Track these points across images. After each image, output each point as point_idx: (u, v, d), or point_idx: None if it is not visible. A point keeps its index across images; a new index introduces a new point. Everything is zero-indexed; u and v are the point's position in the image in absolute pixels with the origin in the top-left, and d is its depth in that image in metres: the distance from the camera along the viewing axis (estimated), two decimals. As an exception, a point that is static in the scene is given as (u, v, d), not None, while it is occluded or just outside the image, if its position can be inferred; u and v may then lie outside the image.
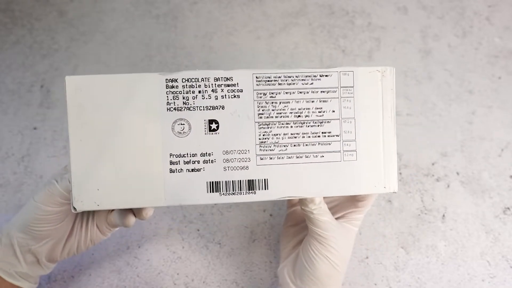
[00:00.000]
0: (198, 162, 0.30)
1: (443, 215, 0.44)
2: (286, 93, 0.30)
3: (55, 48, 0.51)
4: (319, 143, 0.31)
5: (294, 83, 0.30)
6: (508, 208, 0.45)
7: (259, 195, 0.30)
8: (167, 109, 0.30)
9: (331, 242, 0.33)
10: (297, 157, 0.30)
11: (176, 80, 0.30)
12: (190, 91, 0.30)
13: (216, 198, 0.30)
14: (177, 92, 0.30)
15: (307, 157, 0.30)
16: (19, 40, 0.51)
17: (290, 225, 0.39)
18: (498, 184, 0.45)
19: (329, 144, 0.31)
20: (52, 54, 0.51)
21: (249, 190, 0.30)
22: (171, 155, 0.30)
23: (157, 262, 0.42)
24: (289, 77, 0.30)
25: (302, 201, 0.33)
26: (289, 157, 0.30)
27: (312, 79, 0.30)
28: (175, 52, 0.51)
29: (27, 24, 0.52)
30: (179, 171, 0.30)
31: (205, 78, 0.30)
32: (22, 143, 0.46)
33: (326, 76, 0.30)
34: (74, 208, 0.29)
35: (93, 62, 0.51)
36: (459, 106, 0.49)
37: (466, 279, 0.42)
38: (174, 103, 0.30)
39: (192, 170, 0.30)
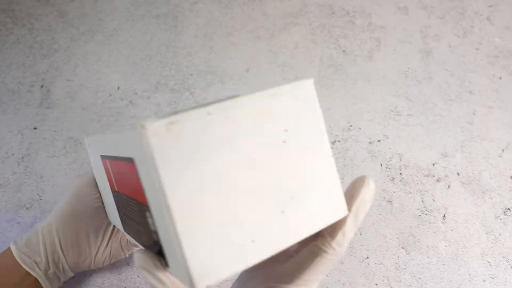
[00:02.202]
0: None
1: (444, 216, 0.44)
2: None
3: (55, 48, 0.51)
4: None
5: None
6: (509, 209, 0.44)
7: None
8: None
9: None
10: None
11: None
12: None
13: None
14: None
15: None
16: (19, 40, 0.51)
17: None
18: (499, 184, 0.45)
19: None
20: (52, 54, 0.51)
21: None
22: None
23: (157, 262, 0.42)
24: None
25: (329, 238, 0.23)
26: None
27: None
28: (175, 52, 0.51)
29: (27, 24, 0.52)
30: None
31: None
32: (22, 143, 0.46)
33: None
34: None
35: (93, 62, 0.50)
36: (460, 106, 0.49)
37: (467, 280, 0.42)
38: None
39: None
